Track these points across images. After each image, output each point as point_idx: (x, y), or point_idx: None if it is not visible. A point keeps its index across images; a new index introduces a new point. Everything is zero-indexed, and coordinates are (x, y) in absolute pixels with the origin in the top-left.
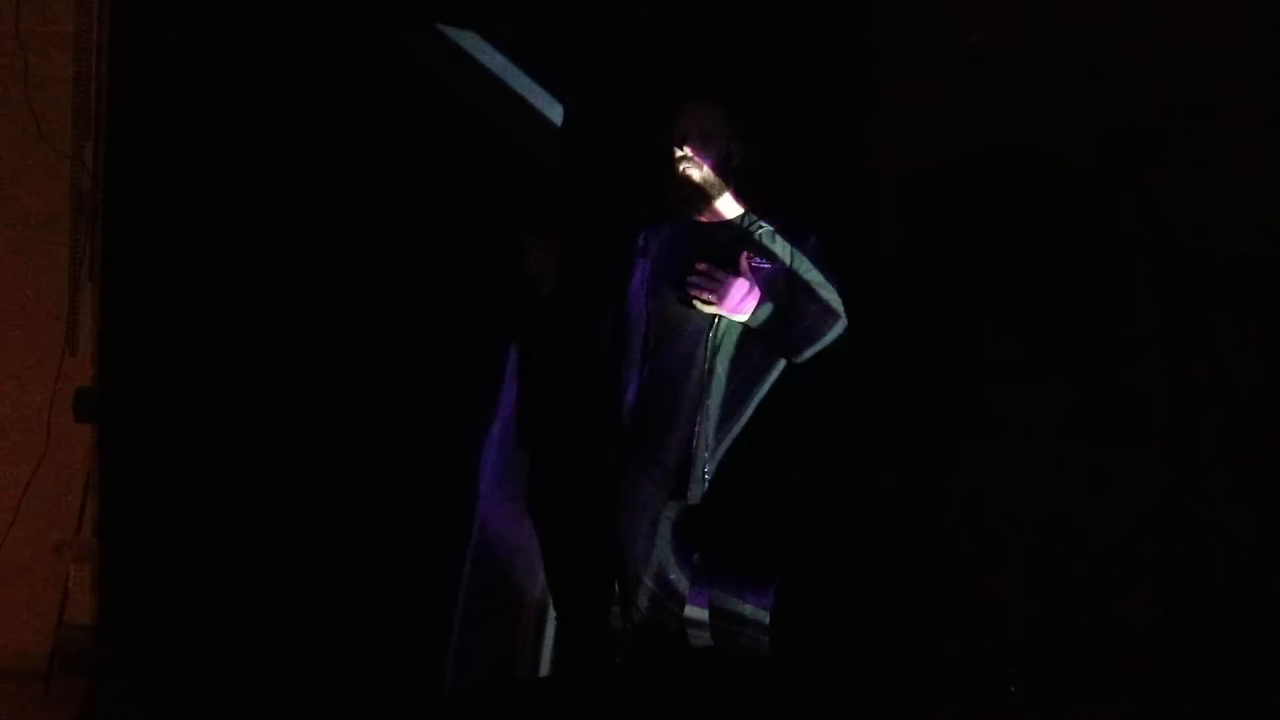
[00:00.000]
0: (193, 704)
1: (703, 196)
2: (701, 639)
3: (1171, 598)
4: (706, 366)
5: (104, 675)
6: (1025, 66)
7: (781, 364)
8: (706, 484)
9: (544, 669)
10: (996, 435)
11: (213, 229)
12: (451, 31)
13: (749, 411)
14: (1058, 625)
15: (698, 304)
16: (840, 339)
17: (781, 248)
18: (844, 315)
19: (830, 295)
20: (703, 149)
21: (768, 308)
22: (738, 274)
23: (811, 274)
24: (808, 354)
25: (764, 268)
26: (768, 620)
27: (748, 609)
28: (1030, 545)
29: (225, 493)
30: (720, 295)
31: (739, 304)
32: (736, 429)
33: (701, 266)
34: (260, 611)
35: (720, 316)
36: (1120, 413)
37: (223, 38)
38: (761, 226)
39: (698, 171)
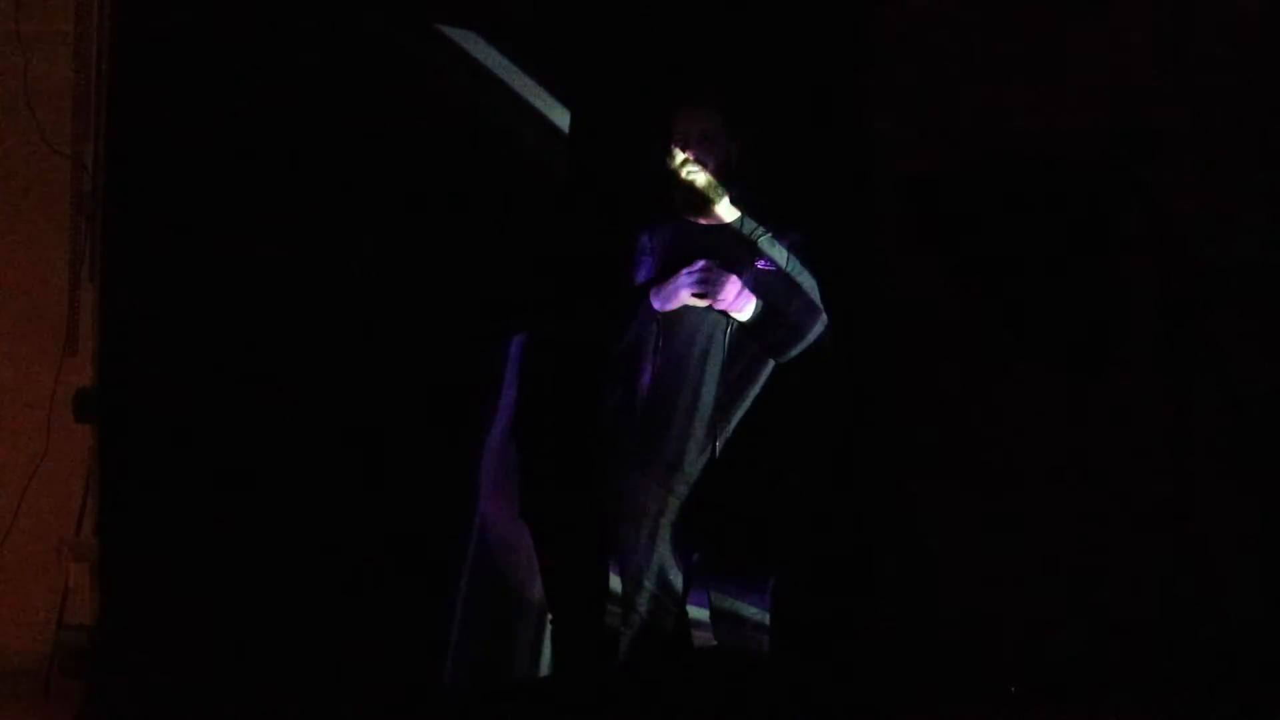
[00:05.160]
0: (192, 704)
1: (706, 199)
2: (703, 639)
3: (1171, 598)
4: (700, 366)
5: (104, 675)
6: (1026, 66)
7: (772, 364)
8: (697, 476)
9: (544, 669)
10: (996, 434)
11: (213, 229)
12: (452, 32)
13: (742, 410)
14: (1057, 626)
15: (694, 299)
16: (823, 336)
17: (777, 249)
18: (824, 311)
19: (812, 291)
20: (705, 152)
21: (758, 306)
22: (735, 273)
23: (799, 273)
24: (793, 353)
25: (768, 270)
26: (767, 620)
27: (747, 609)
28: (1031, 544)
29: (225, 493)
30: (717, 291)
31: (734, 301)
32: (731, 426)
33: (701, 263)
34: (260, 612)
35: (729, 316)
36: (1120, 413)
37: (223, 37)
38: (758, 228)
39: (702, 175)
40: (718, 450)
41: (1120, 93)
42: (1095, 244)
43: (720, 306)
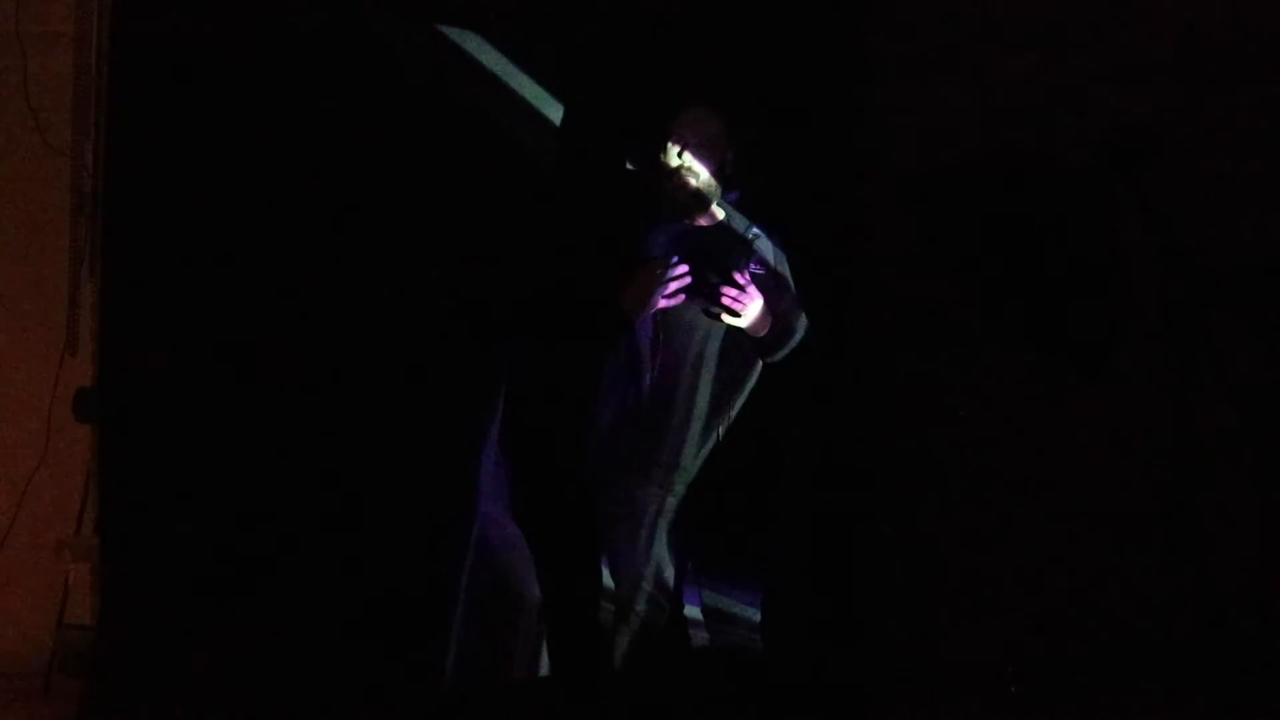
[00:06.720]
0: (193, 704)
1: (700, 202)
2: (700, 639)
3: (1171, 598)
4: (697, 365)
5: (104, 675)
6: (1026, 67)
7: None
8: (693, 477)
9: (544, 669)
10: (997, 434)
11: (213, 229)
12: (452, 32)
13: (740, 402)
14: (1058, 625)
15: (725, 317)
16: (807, 335)
17: (770, 250)
18: (803, 312)
19: (791, 292)
20: (701, 156)
21: (762, 310)
22: (743, 282)
23: (785, 273)
24: (782, 353)
25: (759, 272)
26: (759, 619)
27: (740, 608)
28: (1030, 545)
29: (225, 493)
30: (745, 307)
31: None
32: (725, 425)
33: (741, 279)
34: (260, 611)
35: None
36: (1121, 412)
37: (222, 37)
38: (749, 227)
39: (695, 178)
40: (720, 438)
41: (1120, 92)
42: (1095, 244)
43: (741, 323)
